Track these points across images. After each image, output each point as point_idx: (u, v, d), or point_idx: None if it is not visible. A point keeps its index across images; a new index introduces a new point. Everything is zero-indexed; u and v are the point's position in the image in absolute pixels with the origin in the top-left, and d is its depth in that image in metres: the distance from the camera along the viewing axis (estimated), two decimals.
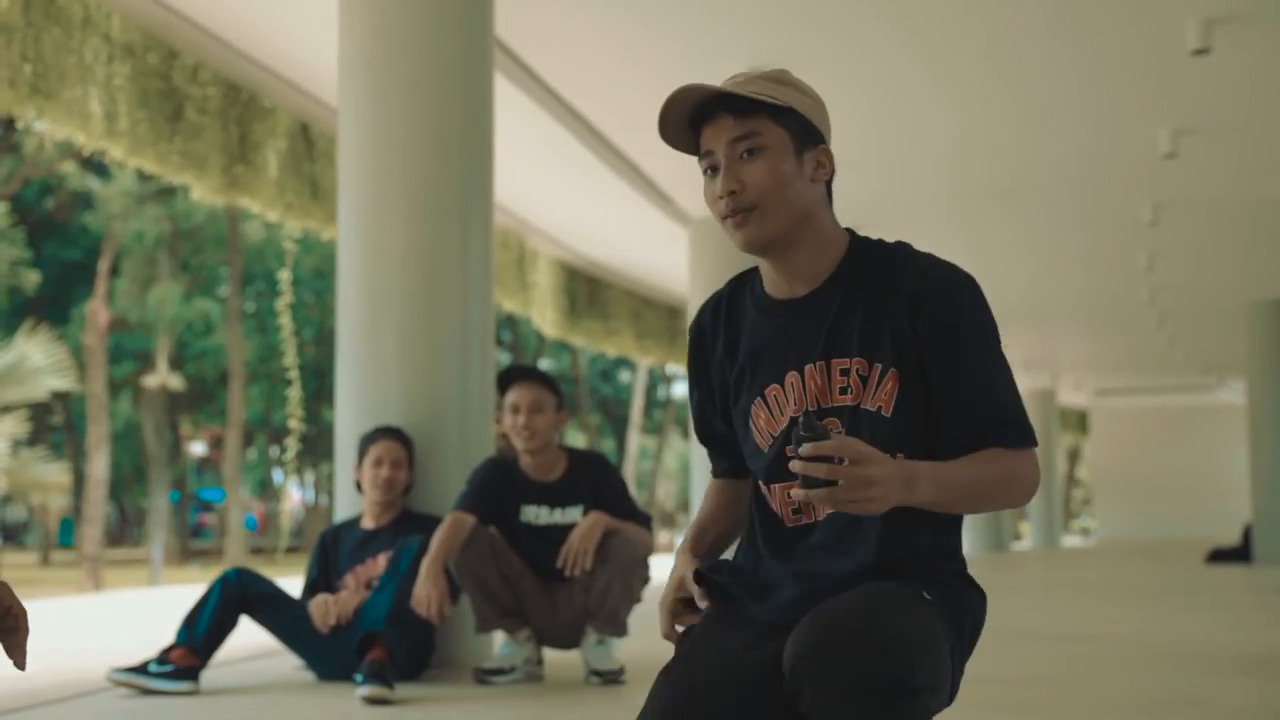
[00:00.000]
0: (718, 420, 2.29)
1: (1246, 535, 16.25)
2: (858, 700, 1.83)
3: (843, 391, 2.09)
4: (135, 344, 30.67)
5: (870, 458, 1.88)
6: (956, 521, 2.14)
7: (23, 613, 1.99)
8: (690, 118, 2.14)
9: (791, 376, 2.14)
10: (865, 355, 2.09)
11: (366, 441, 5.19)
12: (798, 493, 1.89)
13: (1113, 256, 13.60)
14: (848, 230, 2.20)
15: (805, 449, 1.86)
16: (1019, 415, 2.08)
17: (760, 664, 2.04)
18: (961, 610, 2.09)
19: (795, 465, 1.87)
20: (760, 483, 2.21)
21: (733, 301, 2.25)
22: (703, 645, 2.13)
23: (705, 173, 2.15)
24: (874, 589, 1.97)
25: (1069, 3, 6.97)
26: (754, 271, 2.25)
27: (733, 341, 2.23)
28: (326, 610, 4.91)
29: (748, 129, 2.08)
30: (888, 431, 2.06)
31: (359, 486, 5.22)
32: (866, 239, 2.19)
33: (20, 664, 2.00)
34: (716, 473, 2.38)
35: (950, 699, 2.03)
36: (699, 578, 2.20)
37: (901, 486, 1.91)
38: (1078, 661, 5.40)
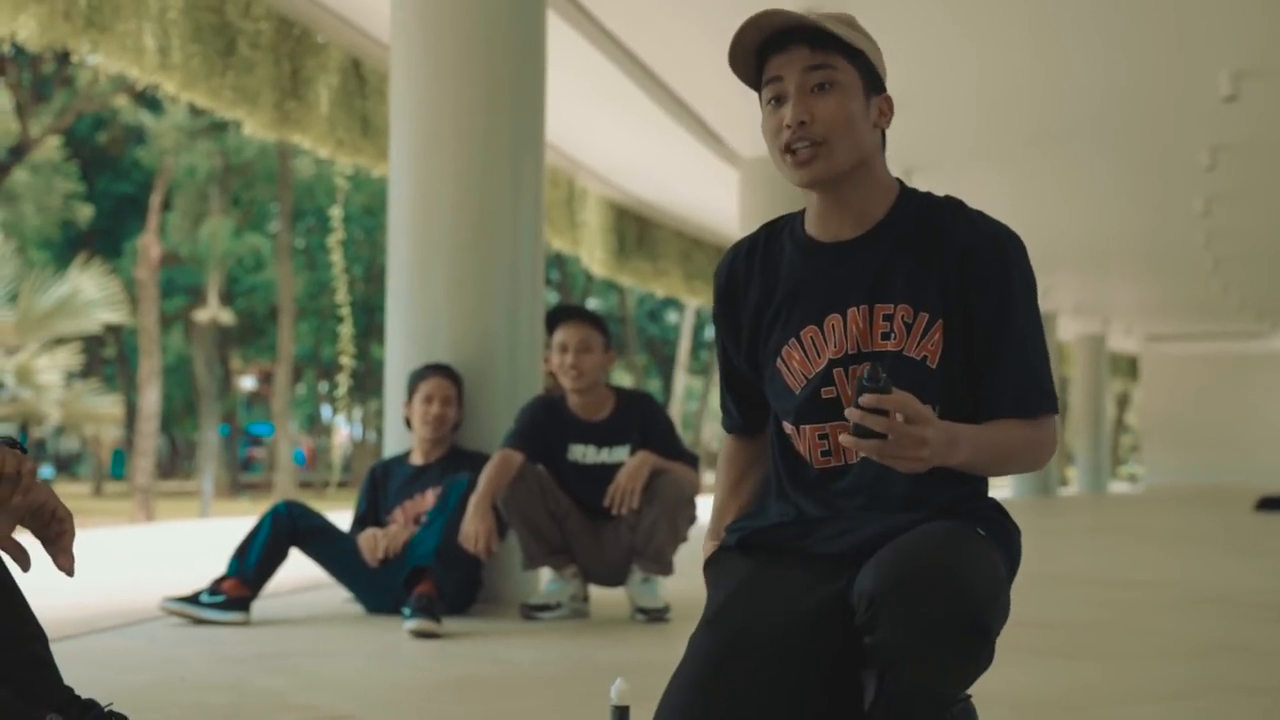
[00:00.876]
0: (742, 362, 2.27)
1: None
2: (937, 641, 1.86)
3: (885, 337, 2.08)
4: (186, 278, 30.91)
5: (927, 418, 1.87)
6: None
7: (68, 515, 1.99)
8: (759, 47, 2.10)
9: (832, 319, 2.12)
10: (911, 302, 2.08)
11: (416, 378, 5.21)
12: (846, 439, 1.88)
13: (1168, 201, 13.41)
14: (898, 180, 2.18)
15: (865, 399, 1.84)
16: (1050, 384, 2.10)
17: (823, 601, 2.05)
18: (1010, 544, 2.12)
19: (852, 414, 1.85)
20: (786, 424, 2.19)
21: (769, 245, 2.23)
22: (750, 589, 2.13)
23: (768, 103, 2.11)
24: (940, 528, 1.98)
25: None
26: (791, 216, 2.23)
27: (769, 284, 2.20)
28: (375, 544, 4.96)
29: (823, 60, 2.06)
30: (933, 383, 2.05)
31: (408, 423, 5.25)
32: (916, 190, 2.18)
33: (67, 569, 2.00)
34: (729, 426, 2.37)
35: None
36: (738, 545, 2.21)
37: (945, 449, 1.91)
38: (1126, 607, 5.39)
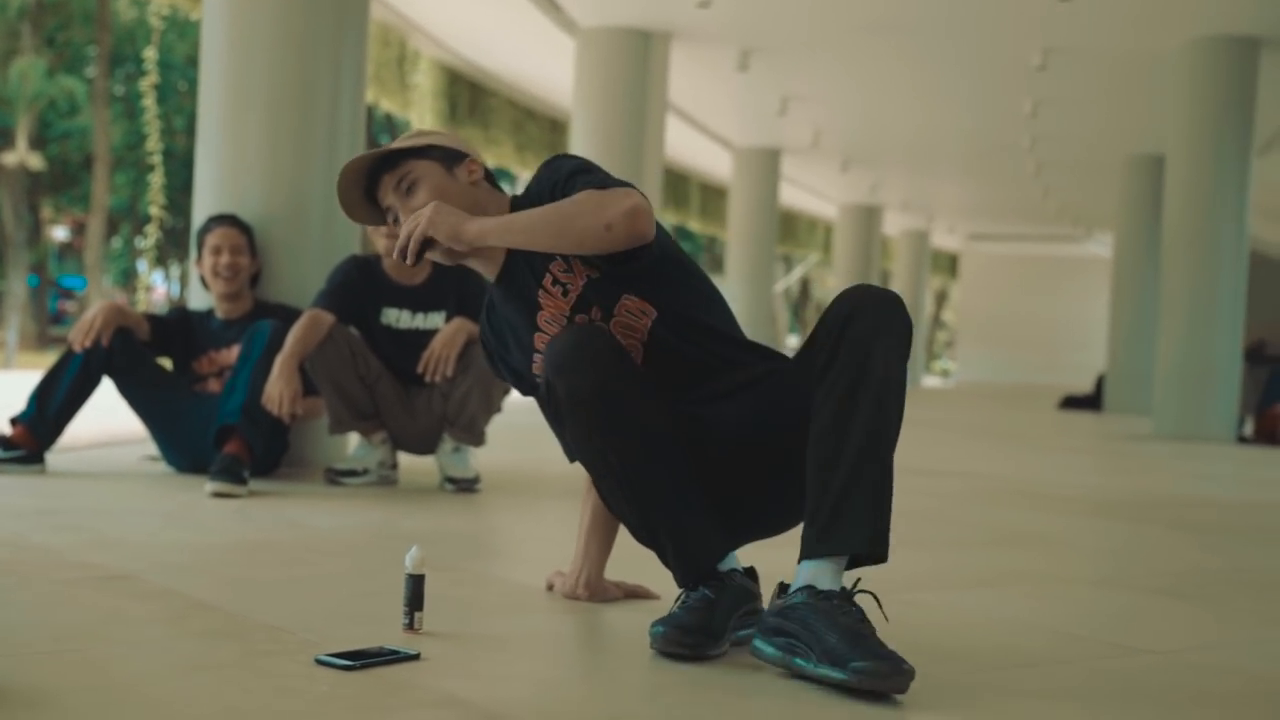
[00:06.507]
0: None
1: (1099, 385, 16.70)
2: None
3: (564, 294, 2.47)
4: None
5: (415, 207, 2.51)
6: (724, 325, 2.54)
7: None
8: (367, 194, 2.59)
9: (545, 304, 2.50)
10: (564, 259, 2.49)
11: (203, 232, 4.97)
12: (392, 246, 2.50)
13: (998, 100, 13.59)
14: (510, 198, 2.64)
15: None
16: (599, 175, 2.40)
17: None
18: None
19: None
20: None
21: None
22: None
23: (392, 223, 2.57)
24: None
25: None
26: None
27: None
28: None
29: (400, 174, 2.55)
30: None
31: (204, 282, 5.00)
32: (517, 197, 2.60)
33: None
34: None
35: None
36: None
37: (449, 215, 2.35)
38: (938, 497, 5.48)
